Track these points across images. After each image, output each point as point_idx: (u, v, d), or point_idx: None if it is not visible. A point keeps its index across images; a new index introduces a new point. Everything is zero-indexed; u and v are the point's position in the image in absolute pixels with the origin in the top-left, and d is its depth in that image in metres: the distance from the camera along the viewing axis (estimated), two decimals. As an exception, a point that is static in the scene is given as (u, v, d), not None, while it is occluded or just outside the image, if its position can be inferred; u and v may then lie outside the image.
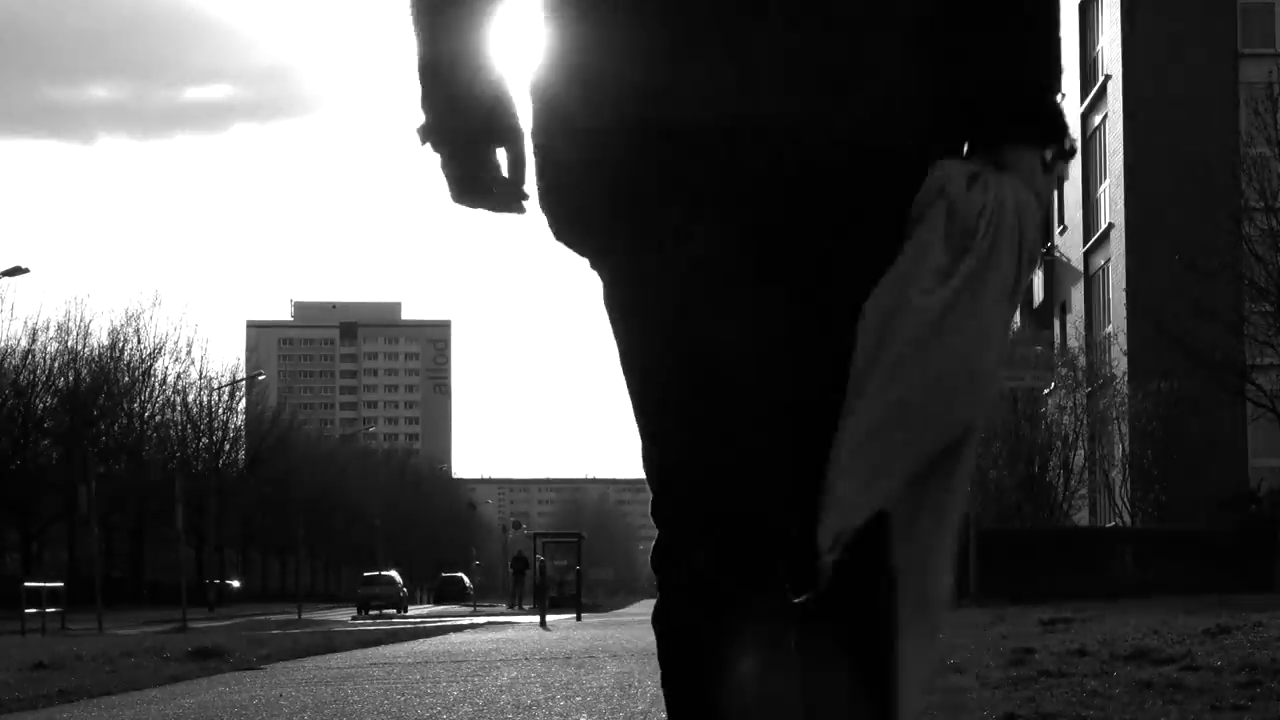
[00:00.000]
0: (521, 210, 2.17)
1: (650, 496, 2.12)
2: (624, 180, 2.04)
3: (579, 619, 30.77)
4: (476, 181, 2.16)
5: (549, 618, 28.10)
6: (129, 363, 62.97)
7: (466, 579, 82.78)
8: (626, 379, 2.14)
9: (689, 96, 2.00)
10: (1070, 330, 43.38)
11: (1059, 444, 36.05)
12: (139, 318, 63.71)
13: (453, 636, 20.24)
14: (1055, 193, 47.42)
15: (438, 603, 76.56)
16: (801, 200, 2.01)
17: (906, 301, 1.92)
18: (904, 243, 1.97)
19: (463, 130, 2.15)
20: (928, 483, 1.96)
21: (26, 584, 37.99)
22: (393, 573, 65.34)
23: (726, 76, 1.99)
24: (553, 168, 2.09)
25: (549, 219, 2.14)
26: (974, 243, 1.96)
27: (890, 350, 1.92)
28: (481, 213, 2.21)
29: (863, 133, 2.00)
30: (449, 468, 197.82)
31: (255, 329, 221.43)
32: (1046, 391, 36.38)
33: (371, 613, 55.11)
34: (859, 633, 2.00)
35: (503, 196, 2.16)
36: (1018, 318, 48.70)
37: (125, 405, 62.78)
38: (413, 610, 62.88)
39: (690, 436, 2.05)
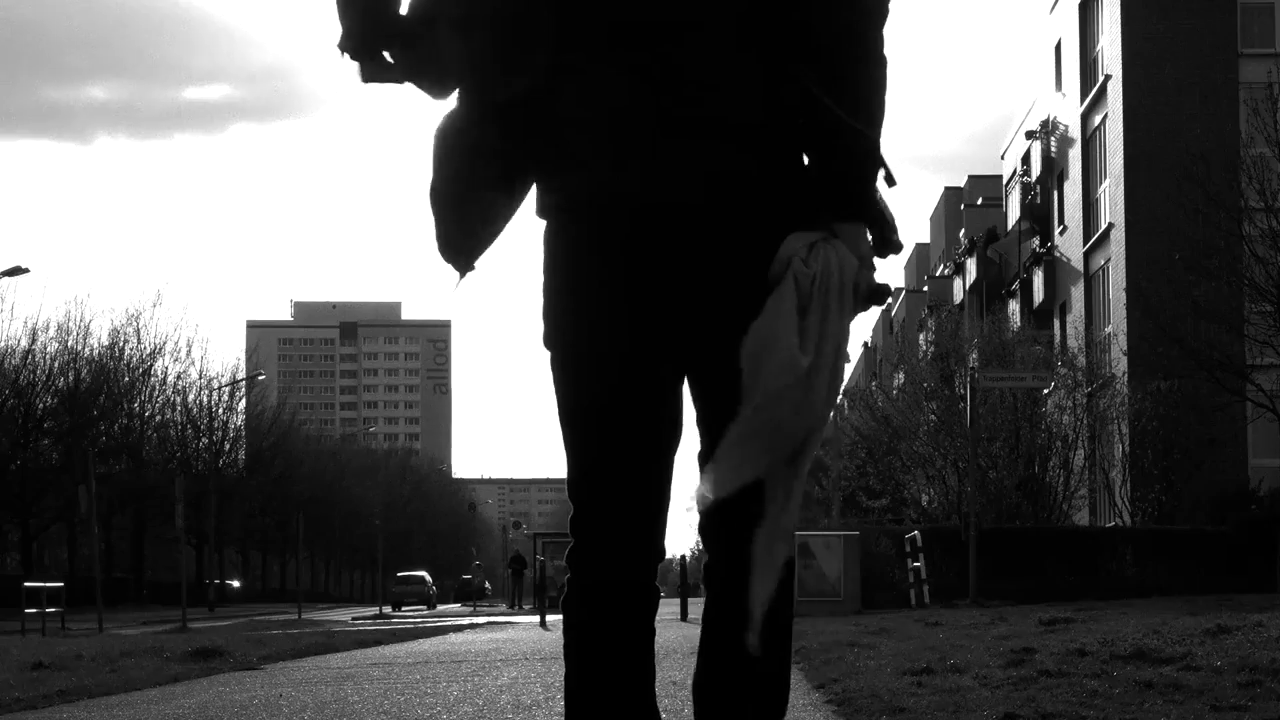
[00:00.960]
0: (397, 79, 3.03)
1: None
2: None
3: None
4: (379, 67, 3.01)
5: (549, 618, 28.09)
6: (129, 363, 62.95)
7: (486, 580, 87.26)
8: (562, 434, 3.03)
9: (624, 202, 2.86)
10: (1070, 330, 43.36)
11: (1059, 444, 36.02)
12: (139, 318, 63.73)
13: (453, 636, 20.24)
14: (1056, 193, 47.44)
15: (460, 601, 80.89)
16: (689, 271, 2.86)
17: (774, 348, 2.75)
18: (766, 301, 2.79)
19: (367, 38, 2.97)
20: (785, 469, 2.81)
21: (26, 584, 37.98)
22: (423, 573, 73.87)
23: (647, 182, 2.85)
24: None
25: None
26: (811, 303, 2.78)
27: (760, 382, 2.75)
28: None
29: (737, 216, 2.86)
30: (449, 468, 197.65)
31: (255, 329, 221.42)
32: (1046, 391, 36.36)
33: (405, 608, 62.27)
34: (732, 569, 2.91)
35: (396, 70, 3.01)
36: (1017, 318, 48.84)
37: (125, 405, 62.76)
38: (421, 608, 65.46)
39: (598, 483, 2.93)
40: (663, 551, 3.01)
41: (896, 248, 2.91)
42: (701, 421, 2.96)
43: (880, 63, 2.90)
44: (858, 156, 2.87)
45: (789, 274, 2.78)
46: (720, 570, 2.98)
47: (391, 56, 2.99)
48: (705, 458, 2.92)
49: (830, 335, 2.79)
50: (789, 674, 3.07)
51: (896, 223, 2.93)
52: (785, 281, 2.78)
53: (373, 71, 3.00)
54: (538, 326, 3.04)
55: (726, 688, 2.98)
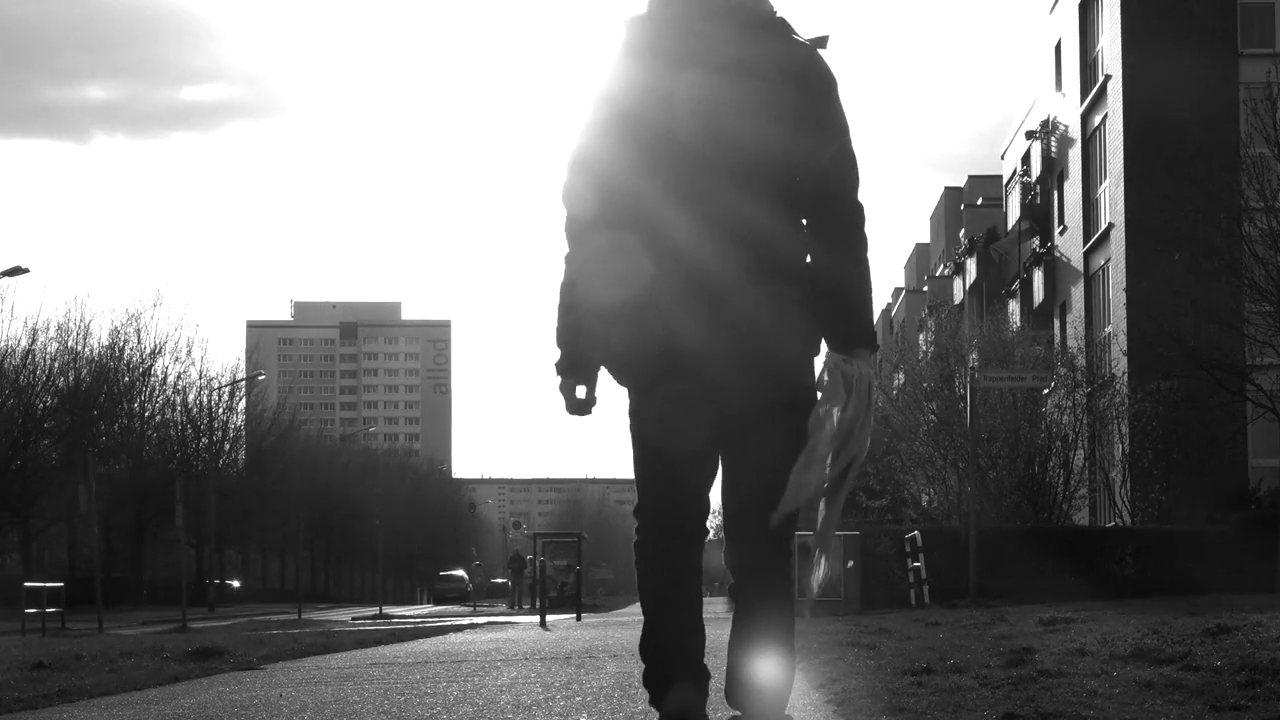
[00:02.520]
0: (589, 413, 4.63)
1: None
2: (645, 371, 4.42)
3: (579, 619, 30.77)
4: (576, 401, 4.59)
5: (549, 618, 28.10)
6: (129, 363, 62.94)
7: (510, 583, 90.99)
8: (633, 450, 4.53)
9: (691, 348, 4.24)
10: (1070, 330, 43.36)
11: (1059, 444, 36.01)
12: (139, 317, 63.72)
13: (453, 636, 20.23)
14: (1056, 193, 47.44)
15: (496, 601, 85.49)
16: (752, 387, 4.34)
17: (830, 415, 4.38)
18: (824, 386, 4.41)
19: (572, 373, 4.57)
20: (833, 496, 4.53)
21: (26, 584, 38.01)
22: (462, 572, 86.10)
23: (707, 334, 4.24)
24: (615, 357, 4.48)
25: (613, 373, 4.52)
26: (853, 389, 4.42)
27: (821, 436, 4.37)
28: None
29: (786, 352, 4.37)
30: (449, 468, 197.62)
31: (255, 329, 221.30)
32: (1046, 391, 36.36)
33: (445, 605, 70.06)
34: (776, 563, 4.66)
35: (585, 404, 4.58)
36: (1017, 318, 48.84)
37: (125, 405, 62.75)
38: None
39: (662, 480, 4.47)
40: (704, 530, 4.58)
41: (877, 349, 4.56)
42: (725, 476, 4.57)
43: (866, 242, 4.45)
44: (867, 313, 4.47)
45: (838, 372, 4.45)
46: (753, 589, 4.68)
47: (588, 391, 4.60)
48: (727, 494, 4.57)
49: (863, 409, 4.45)
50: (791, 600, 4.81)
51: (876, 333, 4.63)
52: (834, 376, 4.45)
53: (577, 406, 4.63)
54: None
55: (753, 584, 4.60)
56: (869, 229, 4.41)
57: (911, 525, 32.28)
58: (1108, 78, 41.07)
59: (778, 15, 4.36)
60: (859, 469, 4.53)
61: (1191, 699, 7.00)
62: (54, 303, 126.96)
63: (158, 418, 66.15)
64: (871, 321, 4.44)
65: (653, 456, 4.43)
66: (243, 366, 76.60)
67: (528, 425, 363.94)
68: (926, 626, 15.72)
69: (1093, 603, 21.13)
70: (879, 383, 58.26)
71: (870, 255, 4.41)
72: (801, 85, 4.23)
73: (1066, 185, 46.07)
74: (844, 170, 4.32)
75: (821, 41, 4.35)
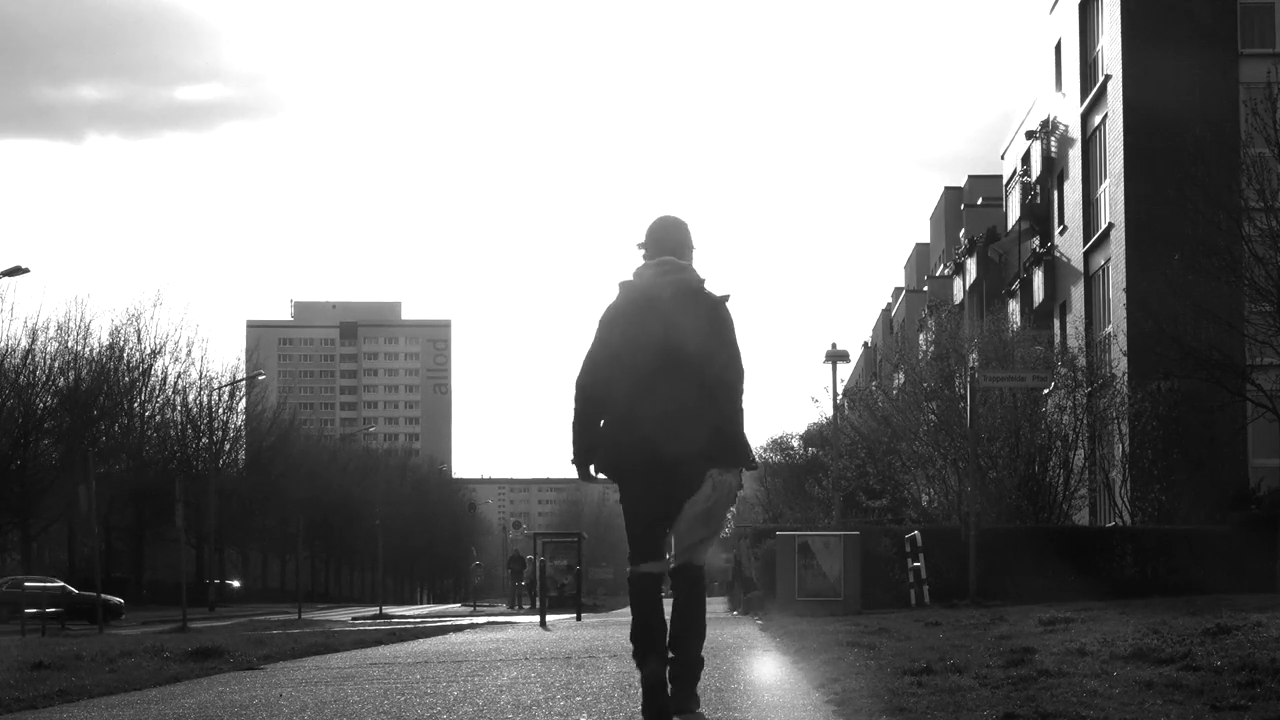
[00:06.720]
0: (595, 481, 8.23)
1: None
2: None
3: (579, 619, 30.77)
4: (589, 479, 8.07)
5: (549, 618, 28.09)
6: (129, 363, 62.95)
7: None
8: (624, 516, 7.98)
9: (637, 445, 7.64)
10: (1070, 330, 43.35)
11: (1059, 444, 36.00)
12: (139, 317, 63.74)
13: (453, 636, 20.23)
14: (1056, 193, 47.44)
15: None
16: (675, 475, 7.64)
17: (695, 505, 7.63)
18: (702, 487, 7.67)
19: (585, 463, 7.90)
20: (702, 538, 7.83)
21: (27, 584, 38.00)
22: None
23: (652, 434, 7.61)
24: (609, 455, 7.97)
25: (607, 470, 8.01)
26: (718, 490, 7.65)
27: (693, 512, 7.64)
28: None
29: (694, 455, 7.58)
30: (449, 468, 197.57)
31: (255, 329, 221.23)
32: (1046, 391, 36.34)
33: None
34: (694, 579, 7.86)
35: (592, 478, 8.09)
36: (1017, 318, 48.78)
37: (125, 405, 62.76)
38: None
39: (635, 527, 7.77)
40: (666, 560, 7.75)
41: (754, 467, 7.78)
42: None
43: (740, 409, 7.63)
44: (739, 444, 7.59)
45: (710, 480, 7.48)
46: (681, 591, 7.77)
47: (594, 469, 7.77)
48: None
49: (722, 500, 7.60)
50: (704, 627, 7.69)
51: (753, 454, 7.72)
52: (708, 481, 7.49)
53: (586, 476, 7.82)
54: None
55: (682, 629, 7.63)
56: (744, 402, 7.67)
57: (911, 525, 32.27)
58: (1108, 78, 41.07)
59: (703, 282, 7.73)
60: (714, 539, 7.71)
61: (1191, 699, 7.00)
62: (54, 303, 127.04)
63: (158, 418, 66.16)
64: (743, 452, 7.61)
65: (631, 520, 7.63)
66: (243, 366, 76.63)
67: (528, 425, 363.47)
68: (926, 626, 15.73)
69: (1093, 603, 21.12)
70: (882, 381, 59.22)
71: (744, 419, 7.65)
72: (712, 323, 7.58)
73: (1066, 185, 46.05)
74: (732, 370, 7.60)
75: (726, 297, 7.66)
